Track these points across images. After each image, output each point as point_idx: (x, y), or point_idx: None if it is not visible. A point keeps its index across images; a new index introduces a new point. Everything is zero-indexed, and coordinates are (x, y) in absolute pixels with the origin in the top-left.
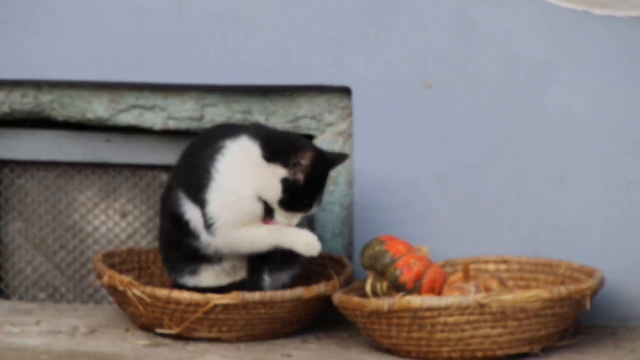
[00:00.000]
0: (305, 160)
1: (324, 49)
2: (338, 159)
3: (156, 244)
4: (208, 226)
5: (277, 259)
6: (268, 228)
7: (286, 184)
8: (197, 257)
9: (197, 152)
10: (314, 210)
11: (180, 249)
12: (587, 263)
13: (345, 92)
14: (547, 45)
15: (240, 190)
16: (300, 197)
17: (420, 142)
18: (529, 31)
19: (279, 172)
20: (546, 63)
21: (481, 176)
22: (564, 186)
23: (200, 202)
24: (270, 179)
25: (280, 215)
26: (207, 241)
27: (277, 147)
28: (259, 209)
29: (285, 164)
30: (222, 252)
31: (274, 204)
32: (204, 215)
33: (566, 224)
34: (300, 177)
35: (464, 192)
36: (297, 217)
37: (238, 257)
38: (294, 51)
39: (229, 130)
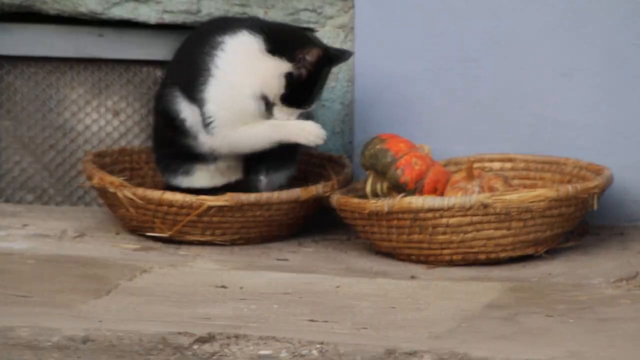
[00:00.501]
0: (311, 56)
1: None
2: (342, 56)
3: (149, 144)
4: (206, 125)
5: (274, 159)
6: (269, 123)
7: (289, 78)
8: (191, 156)
9: (194, 48)
10: (313, 106)
11: (173, 147)
12: (592, 160)
13: None
14: None
15: (241, 87)
16: (302, 92)
17: (419, 36)
18: None
19: (282, 66)
20: None
21: (481, 71)
22: (567, 80)
23: (197, 100)
24: (272, 73)
25: (279, 111)
26: (205, 141)
27: (282, 40)
28: (259, 108)
29: (290, 58)
30: (220, 152)
31: (275, 99)
32: (202, 114)
33: (569, 120)
34: (304, 72)
35: (463, 88)
36: (296, 113)
37: (234, 156)
38: None
39: (227, 25)
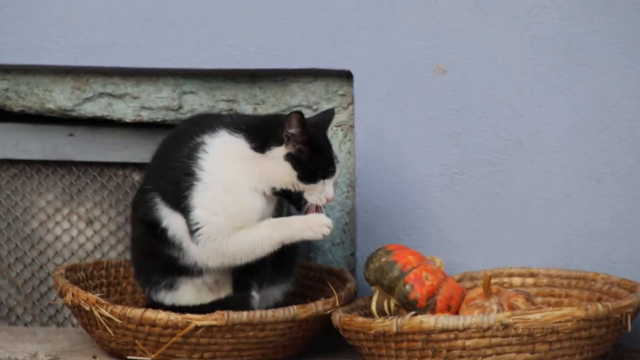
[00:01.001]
0: (294, 127)
1: (320, 28)
2: (326, 117)
3: (127, 256)
4: (192, 233)
5: (267, 271)
6: (266, 223)
7: (292, 159)
8: (175, 269)
9: (172, 151)
10: (338, 168)
11: (155, 259)
12: (627, 275)
13: (345, 76)
14: (577, 23)
15: (235, 186)
16: (315, 162)
17: (432, 136)
18: (555, 7)
19: (278, 153)
20: (576, 44)
21: (502, 175)
22: (599, 186)
23: (182, 208)
24: (273, 166)
25: (310, 191)
26: (192, 252)
27: (263, 131)
28: (260, 204)
29: (278, 141)
30: (210, 264)
31: (297, 185)
32: (188, 222)
33: (602, 230)
34: (300, 146)
35: (483, 194)
36: (329, 185)
37: (222, 269)
38: (285, 30)
39: (204, 124)
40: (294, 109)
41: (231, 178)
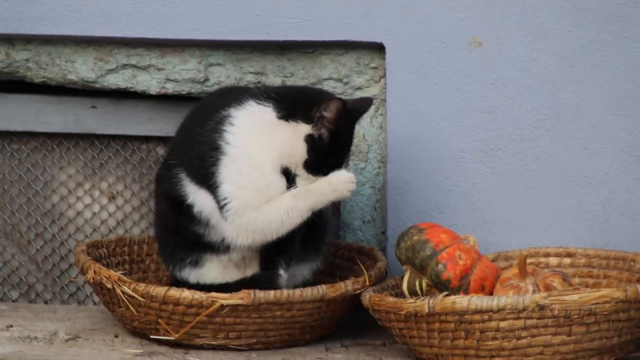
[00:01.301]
0: (329, 112)
1: None
2: (362, 106)
3: (150, 232)
4: (222, 208)
5: (295, 249)
6: (291, 194)
7: (310, 142)
8: (200, 245)
9: (197, 124)
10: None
11: (180, 236)
12: None
13: (377, 49)
14: None
15: (260, 162)
16: (327, 155)
17: (466, 110)
18: None
19: (300, 129)
20: (617, 16)
21: (539, 151)
22: (639, 164)
23: (208, 183)
24: (291, 139)
25: (305, 181)
26: (221, 230)
27: (295, 101)
28: (282, 183)
29: (307, 118)
30: (240, 242)
31: (298, 168)
32: (216, 198)
33: None
34: (325, 132)
35: (518, 171)
36: None
37: (252, 247)
38: (315, 1)
39: (231, 96)
40: (324, 82)
41: (257, 152)
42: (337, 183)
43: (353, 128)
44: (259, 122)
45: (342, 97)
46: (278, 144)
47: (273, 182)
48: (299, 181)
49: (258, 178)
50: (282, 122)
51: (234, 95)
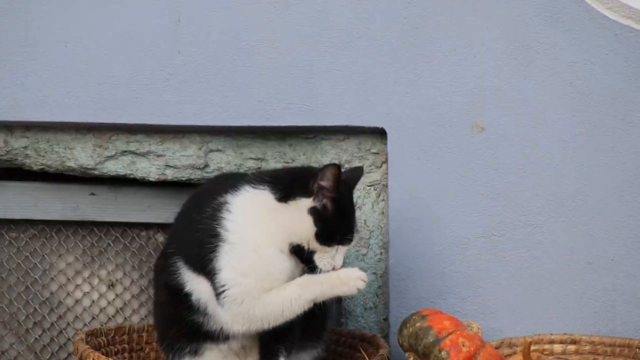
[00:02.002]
0: (326, 180)
1: (352, 84)
2: (353, 176)
3: (150, 320)
4: (221, 298)
5: (296, 336)
6: (297, 282)
7: (315, 214)
8: (199, 334)
9: (194, 213)
10: (356, 238)
11: (179, 324)
12: None
13: (379, 134)
14: (623, 79)
15: (261, 247)
16: (335, 223)
17: (469, 196)
18: (600, 61)
19: (303, 204)
20: (622, 100)
21: (543, 237)
22: None
23: (207, 271)
24: (295, 218)
25: (321, 254)
26: (217, 317)
27: (291, 181)
28: (289, 264)
29: (306, 193)
30: (236, 329)
31: (312, 242)
32: (215, 286)
33: None
34: (328, 202)
35: (522, 257)
36: (341, 252)
37: (248, 334)
38: (316, 86)
39: (226, 183)
40: None
41: (257, 237)
42: (347, 278)
43: (351, 196)
44: (257, 207)
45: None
46: (281, 225)
47: (275, 266)
48: (316, 258)
49: (259, 264)
50: (281, 205)
51: (230, 181)
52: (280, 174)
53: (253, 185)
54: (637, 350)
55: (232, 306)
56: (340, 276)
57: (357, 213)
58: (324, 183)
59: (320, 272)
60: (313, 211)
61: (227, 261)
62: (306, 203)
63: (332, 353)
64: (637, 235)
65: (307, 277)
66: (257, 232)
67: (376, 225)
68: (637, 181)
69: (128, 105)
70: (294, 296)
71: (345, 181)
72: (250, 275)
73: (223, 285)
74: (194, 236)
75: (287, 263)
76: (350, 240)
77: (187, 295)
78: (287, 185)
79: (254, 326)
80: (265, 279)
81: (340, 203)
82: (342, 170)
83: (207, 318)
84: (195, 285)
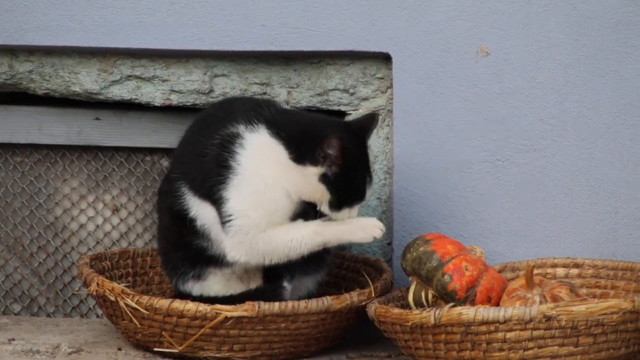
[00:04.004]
0: (332, 150)
1: (357, 8)
2: (367, 124)
3: (154, 244)
4: (226, 226)
5: (299, 261)
6: (312, 224)
7: (327, 180)
8: (203, 259)
9: (201, 138)
10: (370, 193)
11: (183, 248)
12: None
13: (384, 59)
14: (626, 2)
15: (274, 186)
16: (349, 186)
17: (473, 121)
18: None
19: (312, 172)
20: (624, 24)
21: (546, 162)
22: None
23: (214, 199)
24: (306, 181)
25: (335, 214)
26: (221, 244)
27: (302, 144)
28: (292, 207)
29: (314, 161)
30: (238, 259)
31: (324, 206)
32: (222, 214)
33: None
34: (336, 168)
35: (525, 181)
36: (354, 210)
37: (246, 266)
38: (320, 10)
39: (237, 111)
40: (330, 93)
41: (270, 177)
42: (366, 225)
43: (364, 150)
44: (272, 155)
45: (348, 108)
46: (294, 182)
47: (285, 205)
48: (331, 214)
49: (269, 199)
50: (294, 165)
51: (242, 111)
52: (293, 133)
53: (270, 132)
54: (639, 273)
55: (236, 235)
56: (360, 222)
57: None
58: (330, 152)
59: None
60: (324, 178)
61: (236, 193)
62: (315, 171)
63: (335, 277)
64: (639, 158)
65: (324, 224)
66: (270, 175)
67: (380, 151)
68: (639, 106)
69: (132, 30)
70: (305, 238)
71: (357, 132)
72: (259, 208)
73: (230, 215)
74: (201, 162)
75: (291, 206)
76: (364, 198)
77: (192, 221)
78: (299, 147)
79: (254, 259)
80: (273, 215)
81: (351, 167)
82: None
83: (211, 243)
84: (200, 210)
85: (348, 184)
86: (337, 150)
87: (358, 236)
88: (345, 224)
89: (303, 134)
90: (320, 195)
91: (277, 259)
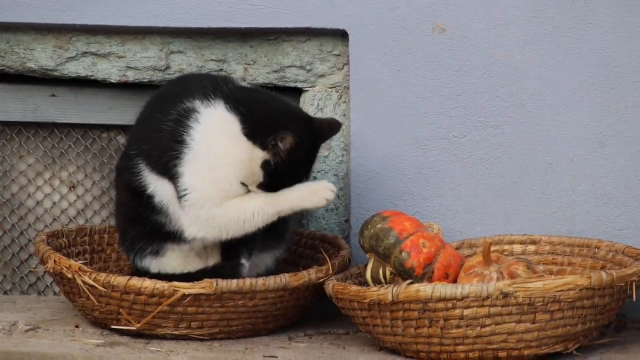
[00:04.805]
0: (284, 144)
1: None
2: (328, 130)
3: (112, 221)
4: (182, 201)
5: (257, 238)
6: (263, 195)
7: (267, 167)
8: (161, 235)
9: (158, 114)
10: None
11: (141, 225)
12: (632, 243)
13: (341, 36)
14: None
15: (226, 161)
16: (284, 181)
17: (430, 98)
18: None
19: (258, 154)
20: (582, 2)
21: (503, 139)
22: (603, 150)
23: (171, 174)
24: (250, 160)
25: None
26: (178, 220)
27: (257, 123)
28: (242, 191)
29: (263, 145)
30: (195, 234)
31: (252, 187)
32: (178, 189)
33: (606, 196)
34: (279, 160)
35: (483, 158)
36: None
37: (205, 242)
38: None
39: (193, 87)
40: (287, 70)
41: (223, 151)
42: (317, 189)
43: (317, 150)
44: (226, 129)
45: (304, 85)
46: (238, 157)
47: (235, 186)
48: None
49: (222, 177)
50: (245, 140)
51: (198, 87)
52: (251, 110)
53: (227, 107)
54: (596, 250)
55: (192, 210)
56: (311, 188)
57: (319, 115)
58: (281, 145)
59: None
60: (265, 164)
61: (191, 167)
62: (261, 154)
63: (293, 254)
64: (596, 136)
65: (273, 195)
66: (223, 148)
67: None
68: (597, 82)
69: (89, 6)
70: (257, 209)
71: (316, 134)
72: (212, 183)
73: (185, 190)
74: (158, 137)
75: (242, 189)
76: None
77: (150, 197)
78: (254, 127)
79: (211, 234)
80: (227, 191)
81: (292, 166)
82: (316, 119)
83: (169, 219)
84: (158, 187)
85: (284, 179)
86: (287, 147)
87: (311, 201)
88: (297, 191)
89: (261, 113)
90: (256, 179)
91: (234, 232)
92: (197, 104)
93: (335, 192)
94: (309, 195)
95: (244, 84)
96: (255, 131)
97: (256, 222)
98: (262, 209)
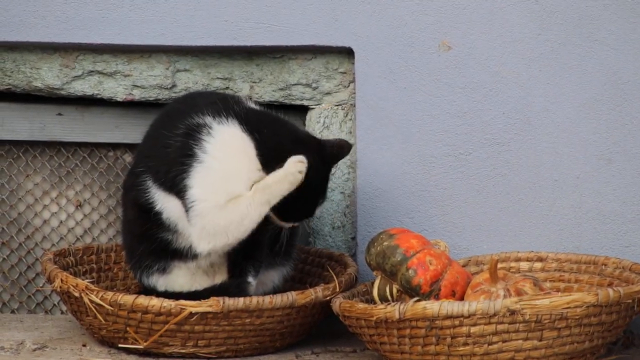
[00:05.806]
0: None
1: (319, 3)
2: (339, 152)
3: (118, 240)
4: (190, 212)
5: (264, 255)
6: (249, 193)
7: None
8: (168, 252)
9: (164, 131)
10: (317, 212)
11: (147, 242)
12: (639, 259)
13: (346, 53)
14: None
15: (239, 178)
16: (300, 205)
17: (436, 115)
18: None
19: None
20: (588, 19)
21: (510, 156)
22: (609, 167)
23: (178, 189)
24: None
25: (280, 223)
26: (186, 234)
27: (270, 148)
28: None
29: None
30: (203, 246)
31: (270, 212)
32: (185, 202)
33: (613, 213)
34: (292, 191)
35: (489, 176)
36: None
37: (215, 252)
38: (283, 5)
39: (201, 103)
40: (293, 87)
41: (240, 168)
42: (288, 166)
43: (328, 173)
44: (242, 149)
45: (310, 103)
46: (253, 179)
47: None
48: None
49: (232, 191)
50: (258, 164)
51: (207, 103)
52: (266, 136)
53: (243, 127)
54: (603, 266)
55: (198, 220)
56: (283, 168)
57: (325, 133)
58: None
59: None
60: None
61: (200, 180)
62: None
63: (300, 272)
64: (602, 152)
65: (256, 186)
66: (236, 164)
67: None
68: (602, 99)
69: (95, 25)
70: (247, 201)
71: (327, 157)
72: (221, 194)
73: (193, 201)
74: (165, 153)
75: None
76: (308, 217)
77: (157, 214)
78: (267, 150)
79: (220, 241)
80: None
81: (307, 190)
82: (325, 141)
83: (176, 235)
84: (165, 204)
85: (300, 204)
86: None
87: (287, 180)
88: (273, 176)
89: (277, 141)
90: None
91: (237, 232)
92: (209, 120)
93: (304, 162)
94: (285, 174)
95: (251, 103)
96: (269, 157)
97: (251, 214)
98: (250, 200)
